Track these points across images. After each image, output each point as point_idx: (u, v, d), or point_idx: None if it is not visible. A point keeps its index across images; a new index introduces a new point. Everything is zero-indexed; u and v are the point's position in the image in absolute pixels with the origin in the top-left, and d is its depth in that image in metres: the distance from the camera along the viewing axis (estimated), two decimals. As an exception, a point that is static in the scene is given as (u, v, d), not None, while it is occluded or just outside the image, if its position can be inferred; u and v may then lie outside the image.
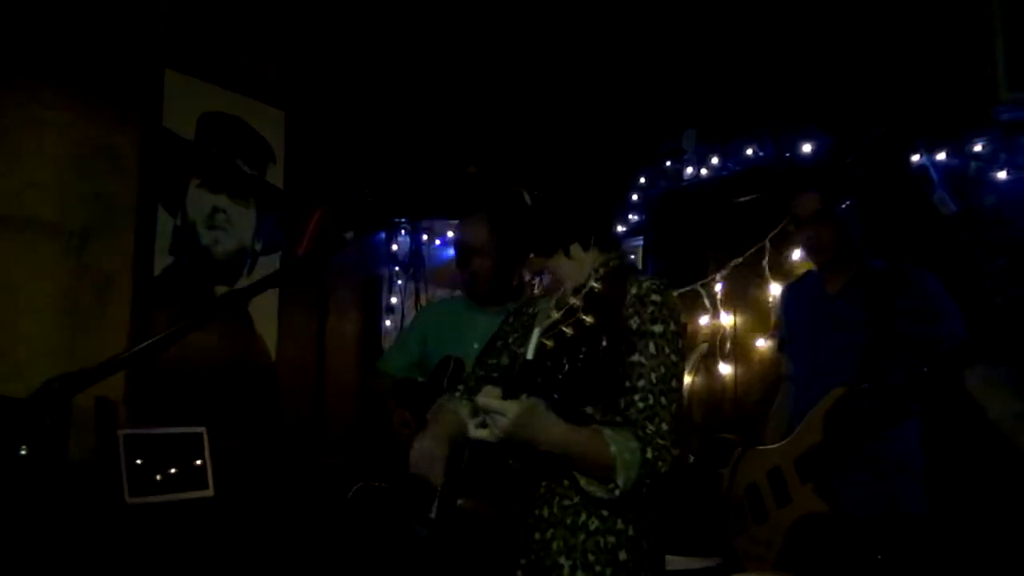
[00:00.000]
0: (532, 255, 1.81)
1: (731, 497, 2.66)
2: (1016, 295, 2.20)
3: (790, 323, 2.79)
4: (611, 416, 1.64)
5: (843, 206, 2.55)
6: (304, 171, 3.98)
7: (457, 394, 2.06)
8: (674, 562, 3.05)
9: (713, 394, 3.67)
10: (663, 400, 1.61)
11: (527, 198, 1.74)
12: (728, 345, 3.62)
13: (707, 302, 3.68)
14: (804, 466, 2.41)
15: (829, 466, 2.37)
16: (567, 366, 1.43)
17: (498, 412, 1.49)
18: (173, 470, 3.10)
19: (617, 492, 1.57)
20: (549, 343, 1.46)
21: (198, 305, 3.45)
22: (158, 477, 3.05)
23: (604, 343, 1.44)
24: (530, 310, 1.96)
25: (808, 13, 3.45)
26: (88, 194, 3.15)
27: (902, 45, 3.16)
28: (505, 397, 1.49)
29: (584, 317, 1.43)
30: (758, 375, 3.49)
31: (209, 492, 3.18)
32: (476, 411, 1.55)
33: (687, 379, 3.67)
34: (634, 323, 1.64)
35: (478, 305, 2.91)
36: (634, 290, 1.67)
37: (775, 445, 2.54)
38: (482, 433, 1.53)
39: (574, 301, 1.44)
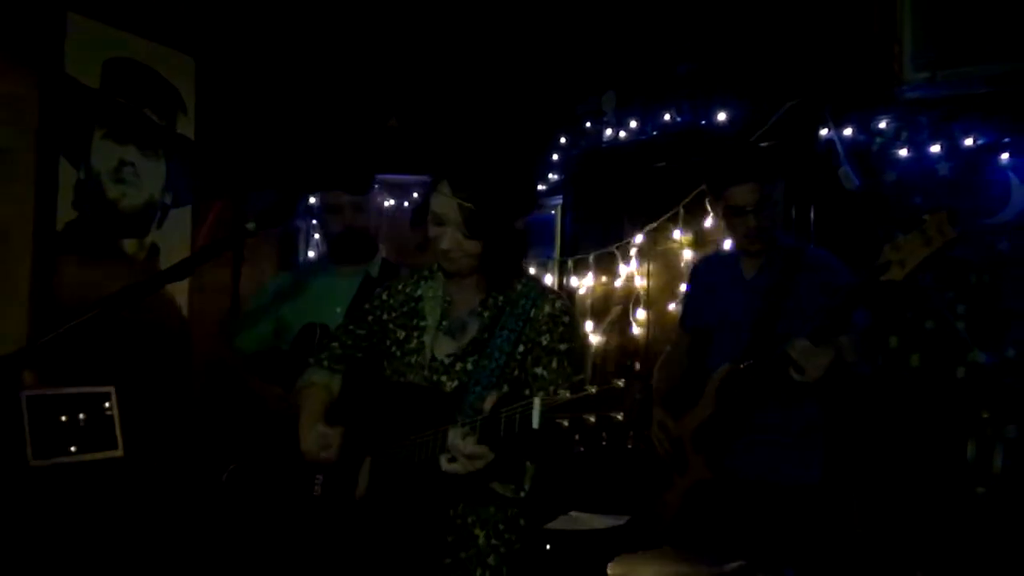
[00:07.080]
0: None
1: (653, 462, 2.78)
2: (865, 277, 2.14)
3: (701, 306, 2.77)
4: None
5: (774, 191, 2.54)
6: (216, 121, 3.85)
7: (317, 363, 2.17)
8: (583, 520, 3.16)
9: (625, 354, 3.76)
10: None
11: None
12: (641, 307, 3.70)
13: (622, 264, 3.74)
14: (698, 438, 2.56)
15: (719, 437, 2.51)
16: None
17: (477, 457, 1.64)
18: (80, 431, 3.04)
19: (522, 494, 1.83)
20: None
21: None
22: (64, 438, 2.99)
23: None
24: (410, 291, 2.02)
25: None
26: (-16, 145, 3.02)
27: (814, 19, 3.22)
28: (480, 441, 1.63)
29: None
30: (669, 335, 3.57)
31: (119, 452, 3.13)
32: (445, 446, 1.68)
33: (600, 340, 3.75)
34: (544, 340, 1.85)
35: (335, 266, 2.91)
36: (547, 308, 1.87)
37: (682, 418, 2.64)
38: (454, 467, 1.67)
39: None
